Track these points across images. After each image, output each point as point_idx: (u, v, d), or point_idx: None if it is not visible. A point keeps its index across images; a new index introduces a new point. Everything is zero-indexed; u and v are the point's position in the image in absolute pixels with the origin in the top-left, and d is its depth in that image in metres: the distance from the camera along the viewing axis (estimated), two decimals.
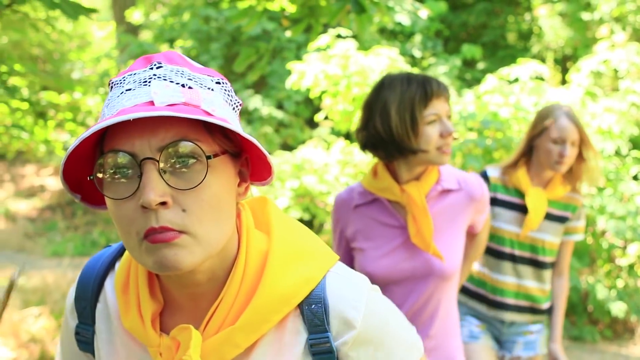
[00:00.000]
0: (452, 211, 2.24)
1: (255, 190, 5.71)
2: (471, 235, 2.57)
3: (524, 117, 5.82)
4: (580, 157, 3.00)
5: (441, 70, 8.33)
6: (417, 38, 8.68)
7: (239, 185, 1.12)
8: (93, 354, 1.26)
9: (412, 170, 2.21)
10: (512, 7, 10.94)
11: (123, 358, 1.19)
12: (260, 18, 4.02)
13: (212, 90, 1.06)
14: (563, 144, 2.95)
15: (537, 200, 3.01)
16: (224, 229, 1.06)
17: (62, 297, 6.37)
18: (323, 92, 6.75)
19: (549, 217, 3.08)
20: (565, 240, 3.14)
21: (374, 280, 2.08)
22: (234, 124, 1.05)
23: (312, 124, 8.93)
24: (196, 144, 1.00)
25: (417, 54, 8.61)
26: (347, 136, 7.65)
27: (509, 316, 3.07)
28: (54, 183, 12.79)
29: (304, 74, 6.67)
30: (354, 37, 7.02)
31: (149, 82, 1.03)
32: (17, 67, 4.52)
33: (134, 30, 11.40)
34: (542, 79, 6.82)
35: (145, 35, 11.44)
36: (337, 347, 1.10)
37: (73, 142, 0.97)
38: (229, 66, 9.65)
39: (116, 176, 1.00)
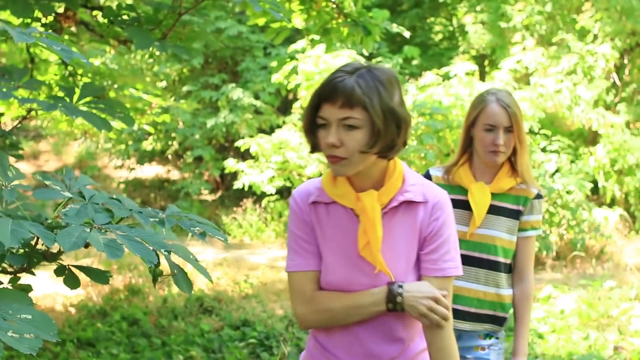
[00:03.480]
0: (412, 225, 1.99)
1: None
2: None
3: (462, 105, 7.63)
4: (519, 144, 2.73)
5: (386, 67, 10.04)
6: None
7: None
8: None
9: (365, 177, 1.96)
10: (438, 11, 12.93)
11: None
12: (287, 34, 5.54)
13: None
14: (495, 130, 2.68)
15: (478, 195, 2.74)
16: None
17: None
18: (298, 85, 8.40)
19: (499, 211, 2.77)
20: (519, 237, 2.79)
21: (334, 288, 1.99)
22: None
23: (283, 111, 10.61)
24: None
25: (366, 53, 10.30)
26: None
27: (458, 325, 2.60)
28: None
29: (288, 71, 8.33)
30: (321, 41, 8.68)
31: None
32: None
33: None
34: (472, 74, 8.68)
35: None
36: None
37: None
38: (208, 62, 11.26)
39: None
